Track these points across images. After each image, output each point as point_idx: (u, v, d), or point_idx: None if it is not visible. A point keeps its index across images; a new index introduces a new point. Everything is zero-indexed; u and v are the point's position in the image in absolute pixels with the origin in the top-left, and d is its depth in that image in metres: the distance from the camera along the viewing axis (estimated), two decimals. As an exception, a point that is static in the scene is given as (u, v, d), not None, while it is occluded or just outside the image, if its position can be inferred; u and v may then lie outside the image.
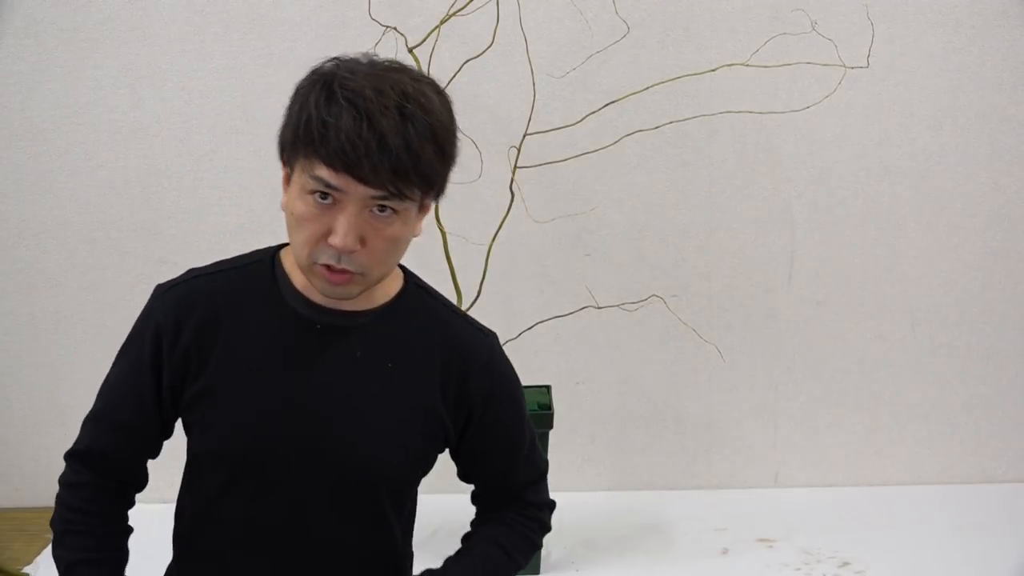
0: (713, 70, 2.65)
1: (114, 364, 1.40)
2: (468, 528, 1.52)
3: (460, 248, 2.59)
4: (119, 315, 2.87)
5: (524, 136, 2.55)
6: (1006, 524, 2.78)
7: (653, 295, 2.73)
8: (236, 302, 1.34)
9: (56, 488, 1.40)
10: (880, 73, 2.70)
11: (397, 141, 1.16)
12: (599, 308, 2.72)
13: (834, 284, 2.90)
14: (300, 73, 1.29)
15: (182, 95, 2.72)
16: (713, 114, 2.72)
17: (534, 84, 2.57)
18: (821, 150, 2.80)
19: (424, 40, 2.48)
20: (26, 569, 2.70)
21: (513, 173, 2.55)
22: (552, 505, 1.55)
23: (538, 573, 2.62)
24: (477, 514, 1.55)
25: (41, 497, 3.07)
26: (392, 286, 1.38)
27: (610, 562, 2.66)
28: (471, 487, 1.53)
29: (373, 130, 1.15)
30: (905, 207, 2.84)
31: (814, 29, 2.62)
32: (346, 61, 1.24)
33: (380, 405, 1.34)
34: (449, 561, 1.46)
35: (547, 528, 1.55)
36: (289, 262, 1.36)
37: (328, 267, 1.23)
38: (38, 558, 2.74)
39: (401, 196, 1.20)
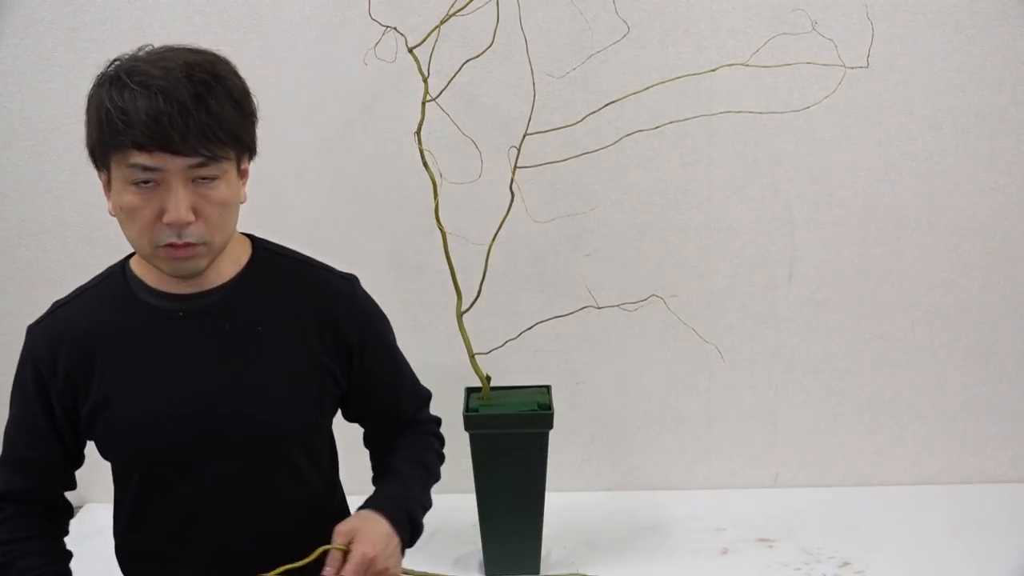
0: (713, 70, 2.65)
1: (9, 410, 1.44)
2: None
3: (460, 248, 2.59)
4: (119, 315, 2.88)
5: (524, 136, 2.55)
6: (1006, 524, 2.77)
7: (653, 295, 2.73)
8: (100, 318, 1.38)
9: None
10: (880, 73, 2.70)
11: (196, 106, 1.22)
12: (599, 308, 2.72)
13: (834, 284, 2.90)
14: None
15: (182, 95, 2.72)
16: (713, 114, 2.72)
17: (534, 84, 2.56)
18: (821, 150, 2.80)
19: (424, 40, 2.48)
20: (26, 569, 2.69)
21: (513, 173, 2.55)
22: (439, 421, 1.63)
23: (538, 573, 2.62)
24: (374, 451, 1.59)
25: (41, 497, 3.08)
26: (241, 256, 1.42)
27: (610, 562, 2.66)
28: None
29: (170, 102, 1.21)
30: (905, 207, 2.84)
31: (814, 29, 2.62)
32: (126, 57, 1.29)
33: (263, 368, 1.38)
34: (378, 489, 1.49)
35: (442, 440, 1.61)
36: (138, 265, 1.41)
37: (171, 246, 1.27)
38: (38, 558, 2.74)
39: (216, 158, 1.25)
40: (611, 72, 2.72)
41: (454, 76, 2.53)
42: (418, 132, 2.46)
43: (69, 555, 1.47)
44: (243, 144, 1.31)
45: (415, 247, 2.85)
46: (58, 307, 1.44)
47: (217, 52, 1.33)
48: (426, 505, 1.50)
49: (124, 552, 1.49)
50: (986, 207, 2.84)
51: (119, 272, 1.42)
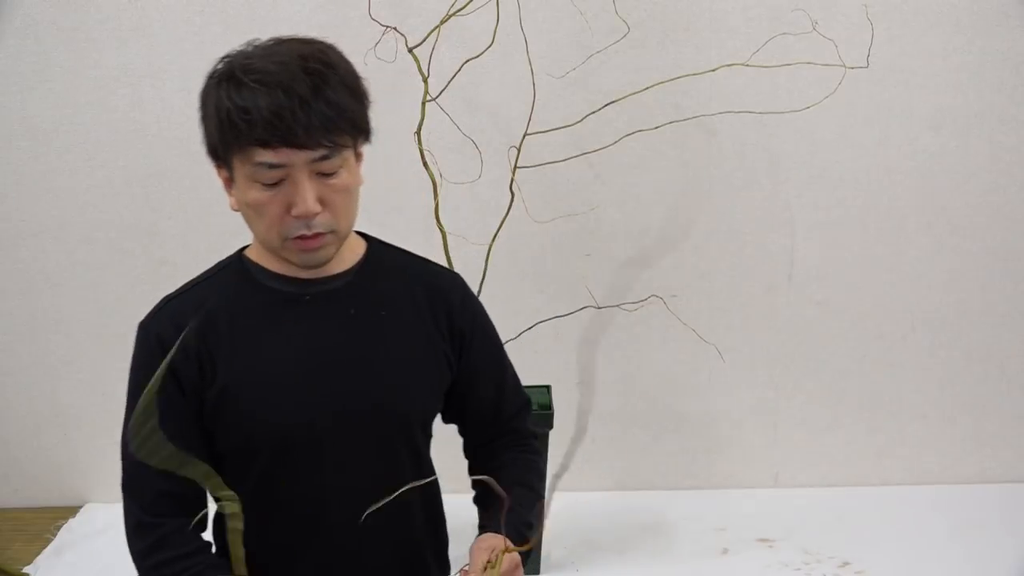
0: (713, 70, 2.65)
1: (131, 415, 1.34)
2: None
3: (460, 248, 2.59)
4: (119, 315, 2.88)
5: (524, 136, 2.55)
6: (1006, 524, 2.78)
7: (653, 295, 2.73)
8: (221, 304, 1.36)
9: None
10: (880, 73, 2.70)
11: (315, 98, 1.21)
12: (599, 308, 2.72)
13: (834, 284, 2.90)
14: (360, 76, 1.31)
15: (182, 95, 2.72)
16: (713, 114, 2.72)
17: (534, 84, 2.56)
18: (821, 150, 2.80)
19: (424, 40, 2.48)
20: (26, 569, 2.69)
21: (513, 173, 2.55)
22: (537, 435, 1.62)
23: (538, 573, 2.62)
24: (474, 450, 1.58)
25: (40, 498, 3.08)
26: (358, 248, 1.44)
27: (610, 562, 2.66)
28: (470, 489, 1.54)
29: (291, 97, 1.20)
30: (905, 207, 2.84)
31: (814, 29, 2.62)
32: (236, 53, 1.28)
33: (389, 351, 1.39)
34: (494, 514, 1.46)
35: (544, 459, 1.62)
36: (256, 255, 1.40)
37: (301, 238, 1.27)
38: (38, 558, 2.74)
39: (338, 148, 1.25)
40: (611, 72, 2.72)
41: (454, 76, 2.53)
42: (418, 132, 2.46)
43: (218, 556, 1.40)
44: (361, 130, 1.30)
45: (415, 247, 2.85)
46: (170, 300, 1.39)
47: (323, 39, 1.31)
48: (533, 526, 1.49)
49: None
50: (986, 207, 2.85)
51: (236, 262, 1.41)
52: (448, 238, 2.52)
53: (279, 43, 1.27)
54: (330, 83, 1.23)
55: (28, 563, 2.73)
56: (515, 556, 1.33)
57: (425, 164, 2.48)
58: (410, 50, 2.47)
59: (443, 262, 2.55)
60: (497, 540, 1.35)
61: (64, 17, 2.69)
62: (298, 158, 1.23)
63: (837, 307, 2.92)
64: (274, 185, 1.24)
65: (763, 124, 2.76)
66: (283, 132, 1.20)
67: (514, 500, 1.45)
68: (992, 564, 2.58)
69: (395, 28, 2.49)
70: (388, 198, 2.82)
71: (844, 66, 2.60)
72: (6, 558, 2.74)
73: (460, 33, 2.60)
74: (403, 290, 1.43)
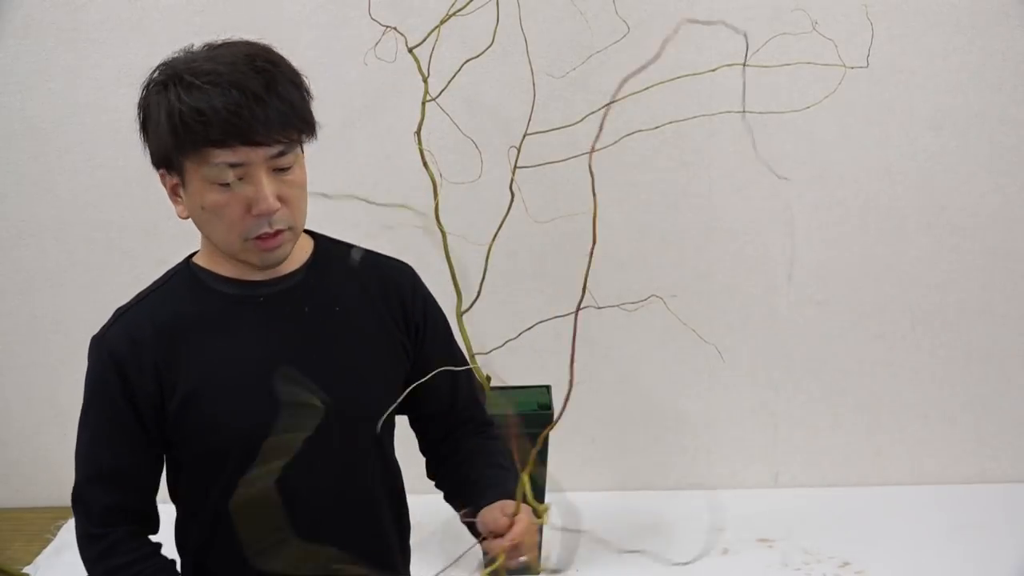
0: (713, 70, 2.64)
1: (82, 429, 1.39)
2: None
3: (460, 248, 2.59)
4: (119, 315, 2.88)
5: (524, 136, 2.54)
6: (1006, 524, 2.77)
7: (653, 295, 2.72)
8: (178, 310, 1.36)
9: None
10: (880, 73, 2.69)
11: (269, 95, 1.22)
12: (599, 308, 2.72)
13: (834, 284, 2.90)
14: (301, 73, 1.30)
15: (182, 95, 2.72)
16: (713, 114, 2.71)
17: (534, 84, 2.56)
18: (821, 150, 2.80)
19: (424, 40, 2.48)
20: (26, 569, 2.69)
21: (513, 173, 2.54)
22: (494, 423, 1.61)
23: (538, 573, 2.62)
24: (434, 445, 1.56)
25: (40, 498, 3.07)
26: (306, 246, 1.44)
27: (610, 562, 2.66)
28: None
29: (245, 95, 1.20)
30: (905, 207, 2.84)
31: (814, 29, 2.61)
32: (173, 59, 1.27)
33: (348, 347, 1.39)
34: (488, 489, 1.45)
35: (502, 439, 1.60)
36: (205, 261, 1.39)
37: (261, 237, 1.28)
38: (38, 558, 2.74)
39: (292, 144, 1.27)
40: (611, 72, 2.71)
41: (454, 76, 2.52)
42: (418, 132, 2.46)
43: (175, 564, 1.41)
44: (310, 125, 1.32)
45: (415, 247, 2.84)
46: (123, 312, 1.39)
47: (259, 39, 1.31)
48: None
49: (208, 557, 1.42)
50: (986, 207, 2.84)
51: (184, 269, 1.40)
52: (448, 238, 2.51)
53: (220, 46, 1.27)
54: (279, 80, 1.24)
55: (28, 563, 2.73)
56: (530, 513, 1.33)
57: (425, 164, 2.47)
58: (410, 50, 2.46)
59: (443, 262, 2.54)
60: (504, 502, 1.36)
61: (64, 17, 2.68)
62: (256, 156, 1.23)
63: (837, 307, 2.92)
64: (231, 185, 1.24)
65: (763, 124, 2.76)
66: (241, 130, 1.20)
67: (495, 480, 1.46)
68: (992, 564, 2.57)
69: (395, 28, 2.48)
70: (388, 198, 2.81)
71: (844, 66, 2.59)
72: (6, 558, 2.74)
73: (460, 33, 2.59)
74: (355, 284, 1.44)
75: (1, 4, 2.69)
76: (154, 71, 1.28)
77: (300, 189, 1.31)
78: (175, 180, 1.29)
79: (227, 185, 1.24)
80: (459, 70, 2.54)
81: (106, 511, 1.35)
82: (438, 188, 2.52)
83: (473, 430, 1.56)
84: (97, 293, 2.89)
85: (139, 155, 3.14)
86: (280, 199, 1.27)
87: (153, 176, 3.03)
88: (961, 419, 3.00)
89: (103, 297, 2.90)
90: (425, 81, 2.47)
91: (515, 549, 1.31)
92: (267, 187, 1.24)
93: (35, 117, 2.76)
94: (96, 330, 1.46)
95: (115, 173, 2.80)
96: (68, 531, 2.88)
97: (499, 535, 1.31)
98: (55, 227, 2.85)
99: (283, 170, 1.27)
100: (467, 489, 1.48)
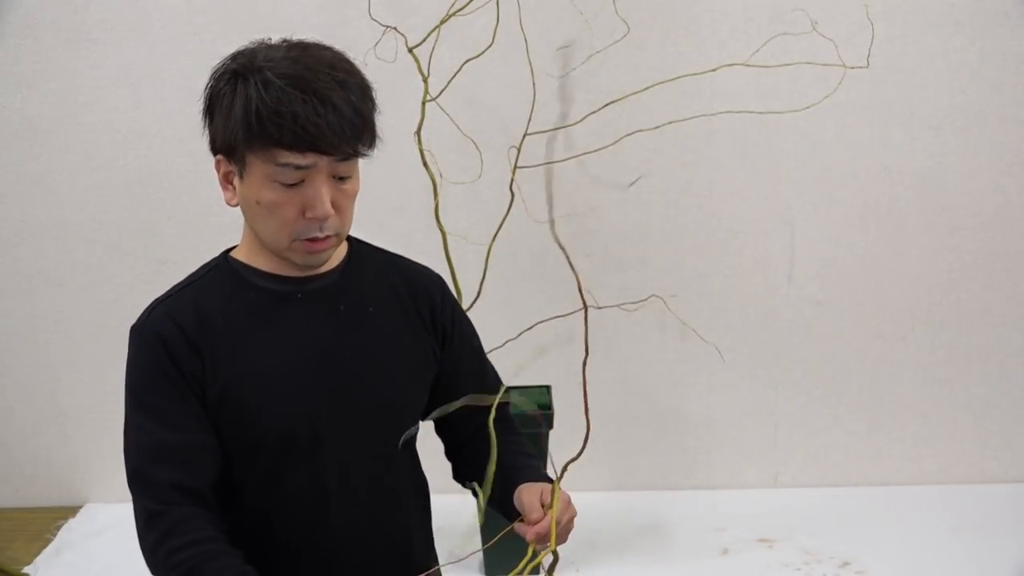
0: (713, 70, 2.65)
1: (135, 416, 1.32)
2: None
3: (460, 248, 2.59)
4: (119, 315, 2.86)
5: (524, 136, 2.55)
6: (1006, 524, 2.78)
7: (653, 295, 2.72)
8: (213, 305, 1.35)
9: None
10: (880, 73, 2.70)
11: (347, 108, 1.24)
12: (599, 308, 2.72)
13: (834, 284, 2.90)
14: (372, 85, 1.32)
15: (182, 95, 2.72)
16: (713, 114, 2.72)
17: (534, 84, 2.56)
18: (821, 150, 2.80)
19: (424, 40, 2.48)
20: (26, 569, 2.69)
21: (513, 173, 2.55)
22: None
23: (538, 573, 2.62)
24: (459, 447, 1.58)
25: (40, 498, 3.08)
26: (341, 247, 1.45)
27: (610, 562, 2.66)
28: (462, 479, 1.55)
29: (325, 105, 1.22)
30: (905, 207, 2.84)
31: (814, 29, 2.61)
32: (250, 53, 1.27)
33: (380, 345, 1.41)
34: (521, 474, 1.50)
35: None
36: (245, 255, 1.39)
37: (311, 240, 1.30)
38: (38, 558, 2.74)
39: (359, 156, 1.29)
40: (611, 72, 2.72)
41: (454, 76, 2.53)
42: (418, 132, 2.46)
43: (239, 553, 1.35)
44: (376, 138, 1.33)
45: (415, 247, 2.84)
46: (162, 301, 1.36)
47: (331, 45, 1.32)
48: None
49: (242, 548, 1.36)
50: (986, 207, 2.84)
51: (224, 263, 1.41)
52: (448, 238, 2.52)
53: (299, 45, 1.28)
54: (354, 91, 1.26)
55: (28, 563, 2.73)
56: (566, 492, 1.38)
57: (425, 164, 2.48)
58: (410, 50, 2.47)
59: (443, 262, 2.55)
60: (540, 484, 1.42)
61: (64, 17, 2.69)
62: (323, 162, 1.25)
63: (837, 307, 2.92)
64: (292, 186, 1.25)
65: (763, 124, 2.76)
66: (315, 138, 1.22)
67: (528, 463, 1.54)
68: (993, 564, 2.58)
69: (395, 28, 2.49)
70: (388, 198, 2.82)
71: (844, 66, 2.60)
72: (6, 558, 2.74)
73: (460, 33, 2.59)
74: (387, 287, 1.46)
75: (1, 4, 2.69)
76: (229, 59, 1.28)
77: (352, 199, 1.33)
78: (232, 169, 1.30)
79: (287, 185, 1.25)
80: (459, 70, 2.55)
81: (170, 487, 1.28)
82: (438, 188, 2.53)
83: (501, 429, 1.56)
84: (97, 293, 2.89)
85: (139, 155, 3.16)
86: (334, 205, 1.28)
87: (153, 176, 3.05)
88: (961, 419, 3.00)
89: (103, 297, 2.92)
90: (425, 81, 2.47)
91: (545, 537, 1.36)
92: (325, 193, 1.26)
93: (35, 117, 2.76)
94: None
95: (115, 173, 2.80)
96: (68, 531, 2.88)
97: (533, 521, 1.36)
98: (55, 227, 2.85)
99: (342, 178, 1.29)
100: (500, 472, 1.51)
